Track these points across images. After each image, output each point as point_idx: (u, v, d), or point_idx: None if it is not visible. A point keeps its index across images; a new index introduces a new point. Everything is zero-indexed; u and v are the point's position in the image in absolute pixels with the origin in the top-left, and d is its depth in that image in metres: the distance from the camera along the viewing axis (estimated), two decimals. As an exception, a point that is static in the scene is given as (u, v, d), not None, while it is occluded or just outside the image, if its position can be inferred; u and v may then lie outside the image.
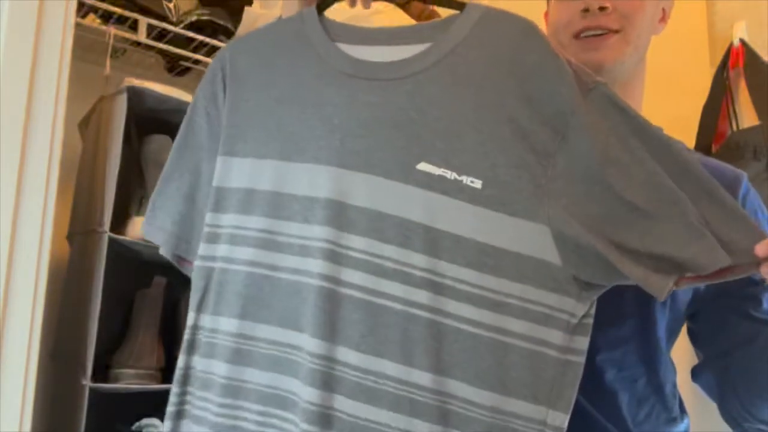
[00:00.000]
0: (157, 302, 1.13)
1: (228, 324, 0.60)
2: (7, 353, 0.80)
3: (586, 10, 0.72)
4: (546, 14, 0.82)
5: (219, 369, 0.60)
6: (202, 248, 0.62)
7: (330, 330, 0.55)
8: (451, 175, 0.55)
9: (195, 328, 0.62)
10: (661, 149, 0.55)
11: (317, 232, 0.56)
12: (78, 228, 1.15)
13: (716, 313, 0.75)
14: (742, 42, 1.47)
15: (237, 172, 0.62)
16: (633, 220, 0.53)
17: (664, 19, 0.80)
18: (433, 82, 0.58)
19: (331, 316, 0.55)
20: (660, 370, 0.73)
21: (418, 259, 0.54)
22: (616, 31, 0.72)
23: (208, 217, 0.62)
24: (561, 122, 0.55)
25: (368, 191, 0.56)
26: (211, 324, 0.61)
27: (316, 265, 0.56)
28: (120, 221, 1.07)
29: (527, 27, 0.59)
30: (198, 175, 0.66)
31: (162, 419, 1.10)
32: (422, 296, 0.54)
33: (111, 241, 1.01)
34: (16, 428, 0.80)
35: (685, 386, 0.78)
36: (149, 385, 1.06)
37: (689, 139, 1.49)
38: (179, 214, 0.66)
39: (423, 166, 0.55)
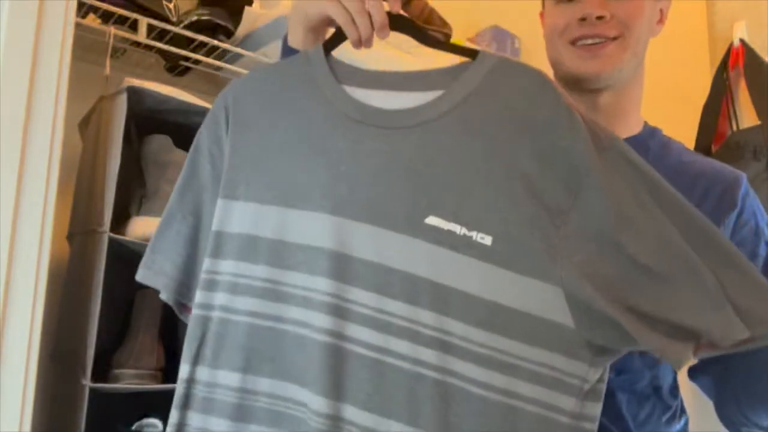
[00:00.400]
0: (157, 302, 1.13)
1: (229, 378, 0.57)
2: (7, 353, 0.80)
3: (583, 19, 0.72)
4: (541, 14, 0.81)
5: (218, 426, 0.58)
6: (199, 296, 0.59)
7: (335, 388, 0.53)
8: (460, 230, 0.53)
9: (190, 381, 0.59)
10: (678, 212, 0.53)
11: (321, 285, 0.55)
12: (78, 228, 1.15)
13: None
14: (742, 42, 1.47)
15: (238, 216, 0.60)
16: (647, 284, 0.51)
17: (662, 20, 0.79)
18: (444, 133, 0.56)
19: (337, 374, 0.53)
20: (660, 370, 0.73)
21: (426, 317, 0.52)
22: (614, 38, 0.72)
23: (207, 263, 0.60)
24: (575, 180, 0.53)
25: (374, 244, 0.54)
26: (209, 377, 0.59)
27: (321, 320, 0.54)
28: (120, 221, 1.07)
29: (541, 79, 0.58)
30: (200, 218, 0.64)
31: (162, 419, 1.11)
32: (430, 355, 0.52)
33: (111, 241, 1.01)
34: (16, 428, 0.80)
35: (684, 385, 0.78)
36: (149, 385, 1.06)
37: (689, 139, 1.49)
38: (180, 258, 0.63)
39: (431, 220, 0.54)
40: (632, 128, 0.78)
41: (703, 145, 1.47)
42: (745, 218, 0.73)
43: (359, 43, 0.64)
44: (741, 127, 1.45)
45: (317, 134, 0.59)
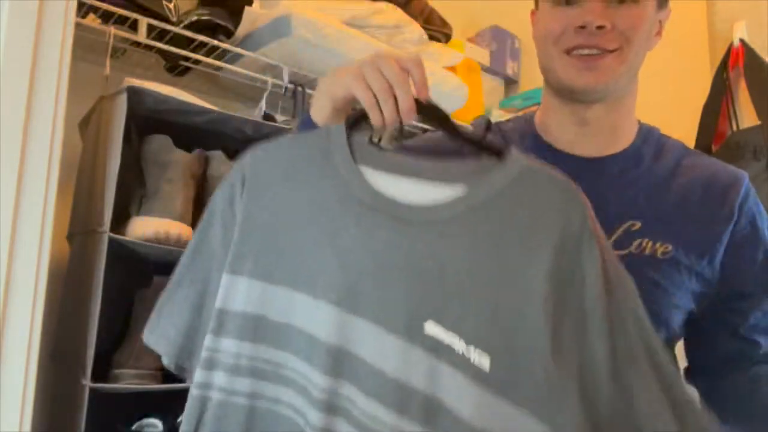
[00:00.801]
0: (156, 302, 1.13)
1: None
2: (7, 353, 0.80)
3: (582, 27, 0.67)
4: (533, 14, 0.78)
5: None
6: (199, 374, 0.58)
7: None
8: (459, 344, 0.51)
9: None
10: (664, 377, 0.53)
11: (318, 380, 0.54)
12: (78, 228, 1.15)
13: (707, 327, 0.75)
14: (742, 42, 1.47)
15: (242, 294, 0.58)
16: None
17: (660, 32, 0.76)
18: (459, 236, 0.54)
19: None
20: None
21: (414, 429, 0.51)
22: (612, 51, 0.68)
23: (208, 339, 0.58)
24: (580, 319, 0.52)
25: (374, 344, 0.53)
26: None
27: (314, 416, 0.53)
28: (120, 221, 1.07)
29: (569, 195, 0.56)
30: (207, 285, 0.62)
31: (161, 419, 1.11)
32: None
33: (111, 241, 1.01)
34: (16, 428, 0.80)
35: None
36: (149, 385, 1.06)
37: (689, 139, 1.49)
38: (184, 325, 0.62)
39: (431, 328, 0.52)
40: (624, 139, 0.76)
41: (703, 145, 1.47)
42: (742, 226, 0.72)
43: (382, 127, 0.62)
44: (741, 127, 1.45)
45: (329, 216, 0.58)
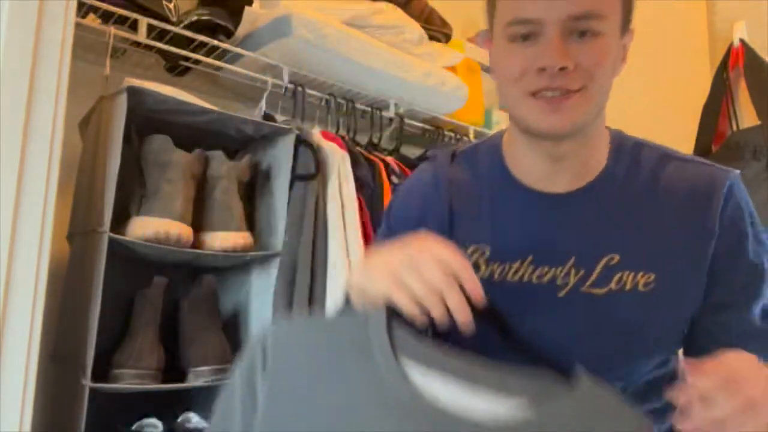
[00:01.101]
0: (156, 302, 1.13)
1: None
2: (8, 353, 0.80)
3: (543, 69, 0.63)
4: (487, 43, 0.73)
5: None
6: None
7: None
8: None
9: None
10: None
11: None
12: (78, 228, 1.15)
13: (696, 342, 0.73)
14: (742, 42, 1.47)
15: None
16: None
17: (624, 58, 0.71)
18: None
19: None
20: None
21: None
22: (578, 90, 0.64)
23: None
24: None
25: None
26: None
27: None
28: (120, 221, 1.07)
29: (638, 425, 0.51)
30: None
31: (161, 419, 1.11)
32: None
33: (111, 241, 1.01)
34: (16, 428, 0.80)
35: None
36: (149, 385, 1.06)
37: (689, 139, 1.49)
38: None
39: None
40: (597, 165, 0.72)
41: (703, 145, 1.47)
42: (724, 237, 0.68)
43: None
44: (741, 127, 1.45)
45: (362, 423, 0.52)
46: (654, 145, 0.75)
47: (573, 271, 0.68)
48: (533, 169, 0.72)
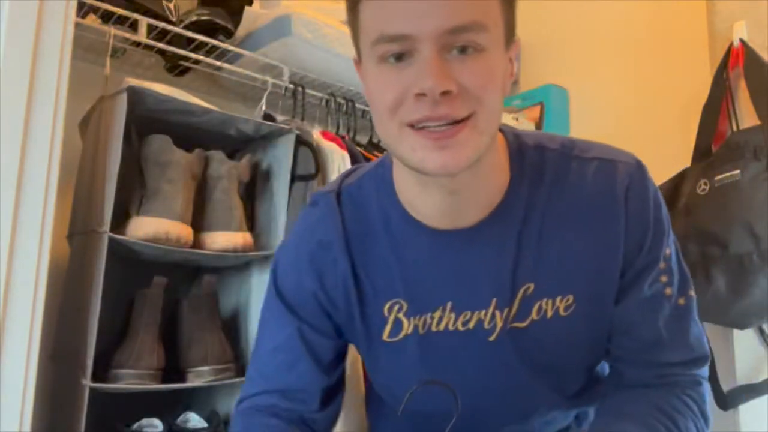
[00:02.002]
0: (157, 302, 1.13)
1: None
2: (7, 353, 0.80)
3: (422, 95, 0.52)
4: (356, 64, 0.63)
5: None
6: None
7: None
8: None
9: None
10: None
11: None
12: (78, 228, 1.15)
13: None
14: (742, 42, 1.47)
15: None
16: None
17: (513, 72, 0.62)
18: None
19: None
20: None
21: None
22: (466, 119, 0.54)
23: None
24: None
25: None
26: None
27: None
28: (120, 221, 1.07)
29: None
30: None
31: (161, 419, 1.11)
32: None
33: (111, 241, 1.01)
34: (16, 428, 0.80)
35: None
36: (149, 385, 1.06)
37: (689, 140, 1.49)
38: None
39: None
40: (501, 187, 0.64)
41: (703, 145, 1.46)
42: (635, 230, 0.64)
43: None
44: (741, 127, 1.44)
45: None
46: (554, 144, 0.67)
47: (498, 313, 0.64)
48: (431, 206, 0.63)
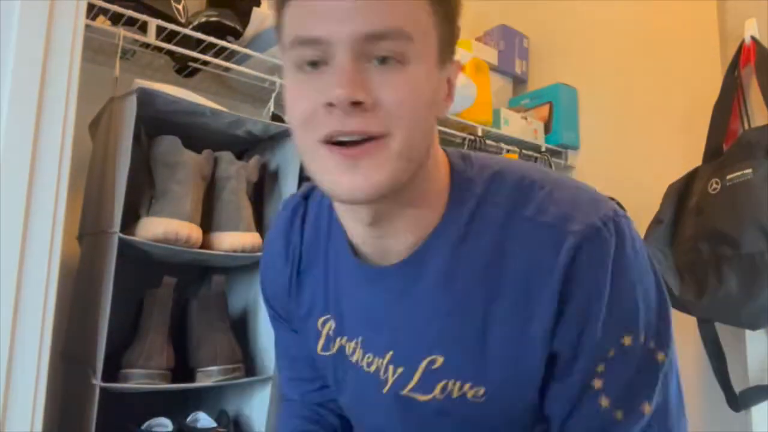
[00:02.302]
0: (166, 302, 1.13)
1: None
2: (19, 354, 0.81)
3: (331, 104, 0.47)
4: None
5: None
6: None
7: None
8: None
9: None
10: None
11: None
12: (88, 229, 1.16)
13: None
14: (754, 39, 1.46)
15: None
16: None
17: (450, 94, 0.55)
18: None
19: None
20: None
21: None
22: (382, 136, 0.48)
23: None
24: None
25: None
26: None
27: None
28: (130, 222, 1.07)
29: None
30: None
31: (171, 419, 1.11)
32: None
33: (121, 241, 1.01)
34: (27, 428, 0.81)
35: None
36: (159, 385, 1.06)
37: (700, 139, 1.48)
38: None
39: None
40: (428, 224, 0.56)
41: (714, 144, 1.45)
42: (570, 315, 0.52)
43: None
44: (753, 126, 1.43)
45: None
46: (507, 195, 0.55)
47: (391, 368, 0.57)
48: (357, 236, 0.58)
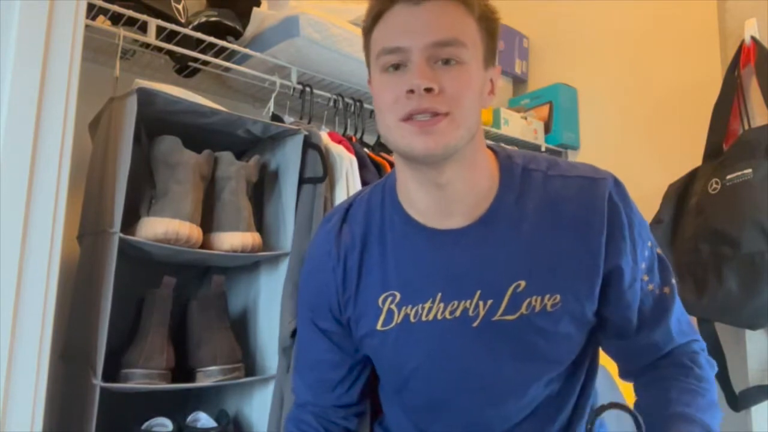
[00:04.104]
0: (166, 302, 1.13)
1: None
2: (19, 353, 0.81)
3: (411, 91, 0.66)
4: (369, 82, 0.76)
5: None
6: None
7: None
8: None
9: None
10: None
11: None
12: (88, 228, 1.16)
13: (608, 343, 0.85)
14: (754, 40, 1.46)
15: None
16: None
17: (493, 90, 0.75)
18: None
19: None
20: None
21: None
22: (446, 114, 0.67)
23: None
24: None
25: None
26: None
27: None
28: (130, 222, 1.07)
29: None
30: None
31: (171, 419, 1.11)
32: None
33: (121, 241, 1.01)
34: (27, 428, 0.81)
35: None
36: (159, 385, 1.06)
37: (700, 139, 1.48)
38: None
39: None
40: (487, 196, 0.75)
41: (714, 144, 1.45)
42: (613, 240, 0.74)
43: None
44: (753, 126, 1.43)
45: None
46: (538, 164, 0.78)
47: (481, 303, 0.73)
48: (423, 202, 0.75)
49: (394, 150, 0.73)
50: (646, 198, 1.49)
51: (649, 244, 0.78)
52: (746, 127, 1.45)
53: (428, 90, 0.66)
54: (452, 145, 0.68)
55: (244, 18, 1.40)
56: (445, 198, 0.73)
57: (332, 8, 1.45)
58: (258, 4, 1.43)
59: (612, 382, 0.98)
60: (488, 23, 0.72)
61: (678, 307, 0.79)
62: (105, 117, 1.15)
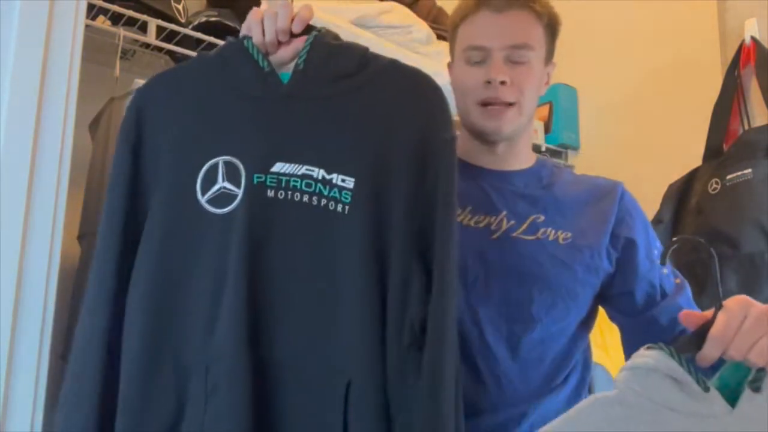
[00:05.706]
0: (166, 302, 1.13)
1: None
2: (19, 353, 0.81)
3: (488, 82, 0.84)
4: (449, 65, 0.93)
5: None
6: None
7: None
8: None
9: None
10: None
11: None
12: (88, 228, 1.15)
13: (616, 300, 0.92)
14: (754, 40, 1.46)
15: None
16: None
17: (548, 82, 0.93)
18: None
19: None
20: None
21: None
22: (512, 104, 0.85)
23: None
24: None
25: None
26: None
27: None
28: (130, 222, 1.07)
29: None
30: None
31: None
32: None
33: (121, 241, 1.01)
34: (27, 428, 0.81)
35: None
36: (159, 385, 1.06)
37: (700, 139, 1.48)
38: None
39: None
40: (525, 162, 0.93)
41: (714, 144, 1.45)
42: (620, 219, 0.88)
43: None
44: (753, 126, 1.43)
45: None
46: (566, 167, 0.98)
47: (505, 221, 0.87)
48: (479, 158, 0.92)
49: (466, 126, 0.90)
50: (646, 198, 1.48)
51: (658, 244, 0.90)
52: (746, 127, 1.45)
53: (502, 83, 0.83)
54: (515, 128, 0.87)
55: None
56: (495, 158, 0.91)
57: (332, 8, 1.45)
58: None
59: (612, 381, 0.98)
60: (552, 29, 0.90)
61: (691, 298, 0.89)
62: (105, 117, 1.15)
